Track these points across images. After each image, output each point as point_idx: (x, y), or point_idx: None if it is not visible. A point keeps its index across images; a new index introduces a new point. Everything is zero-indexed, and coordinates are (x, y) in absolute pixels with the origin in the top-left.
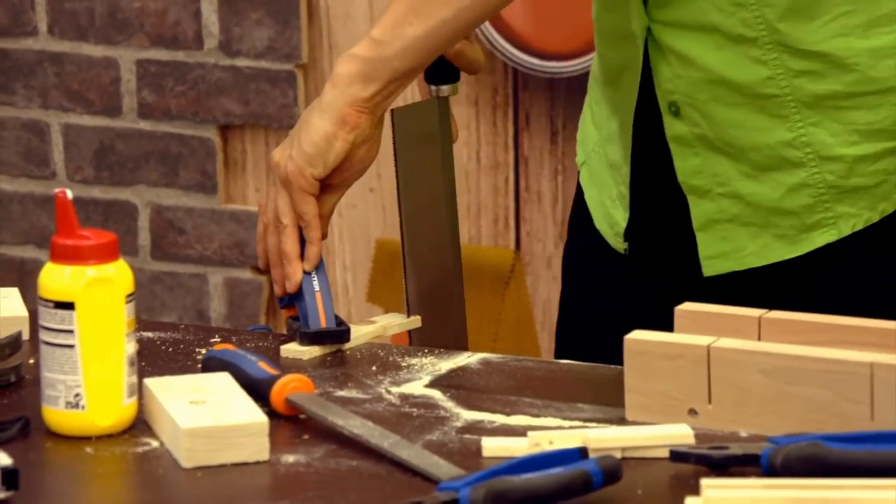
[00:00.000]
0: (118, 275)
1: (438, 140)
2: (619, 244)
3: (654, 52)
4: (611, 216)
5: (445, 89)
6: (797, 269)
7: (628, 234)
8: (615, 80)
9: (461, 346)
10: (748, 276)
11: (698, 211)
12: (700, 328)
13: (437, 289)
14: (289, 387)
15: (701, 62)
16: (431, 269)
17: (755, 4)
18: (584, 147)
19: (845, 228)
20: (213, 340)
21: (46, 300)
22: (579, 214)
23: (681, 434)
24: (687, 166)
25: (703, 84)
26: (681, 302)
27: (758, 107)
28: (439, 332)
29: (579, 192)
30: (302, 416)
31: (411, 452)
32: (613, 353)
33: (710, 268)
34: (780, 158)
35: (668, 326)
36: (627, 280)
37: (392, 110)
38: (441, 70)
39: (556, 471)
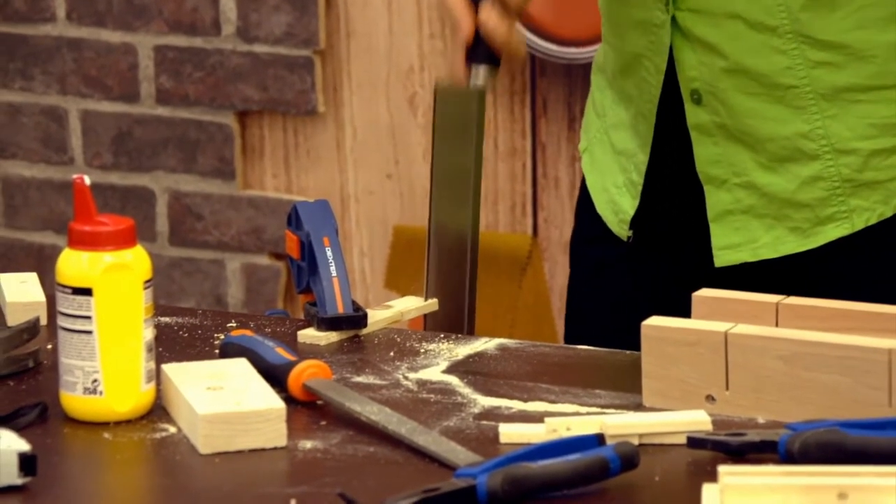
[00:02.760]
0: (136, 261)
1: (473, 132)
2: (623, 231)
3: (678, 40)
4: (615, 203)
5: (483, 72)
6: (809, 260)
7: (634, 222)
8: (628, 68)
9: (471, 329)
10: (757, 266)
11: (714, 201)
12: (717, 314)
13: (453, 272)
14: (306, 372)
15: (722, 50)
16: (451, 251)
17: None
18: (587, 134)
19: (858, 222)
20: (230, 326)
21: (64, 286)
22: (583, 201)
23: (698, 420)
24: (706, 155)
25: (724, 72)
26: (684, 291)
27: (776, 97)
28: (453, 315)
29: (583, 179)
30: (319, 402)
31: (429, 439)
32: (619, 338)
33: (722, 258)
34: (796, 150)
35: (670, 314)
36: (631, 266)
37: (436, 88)
38: (484, 51)
39: (574, 457)
